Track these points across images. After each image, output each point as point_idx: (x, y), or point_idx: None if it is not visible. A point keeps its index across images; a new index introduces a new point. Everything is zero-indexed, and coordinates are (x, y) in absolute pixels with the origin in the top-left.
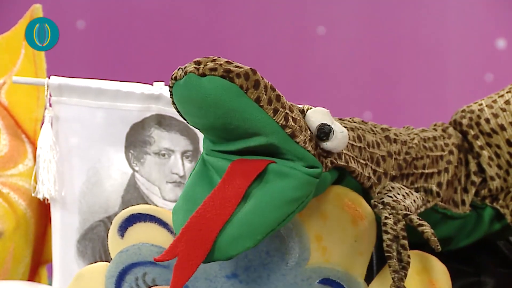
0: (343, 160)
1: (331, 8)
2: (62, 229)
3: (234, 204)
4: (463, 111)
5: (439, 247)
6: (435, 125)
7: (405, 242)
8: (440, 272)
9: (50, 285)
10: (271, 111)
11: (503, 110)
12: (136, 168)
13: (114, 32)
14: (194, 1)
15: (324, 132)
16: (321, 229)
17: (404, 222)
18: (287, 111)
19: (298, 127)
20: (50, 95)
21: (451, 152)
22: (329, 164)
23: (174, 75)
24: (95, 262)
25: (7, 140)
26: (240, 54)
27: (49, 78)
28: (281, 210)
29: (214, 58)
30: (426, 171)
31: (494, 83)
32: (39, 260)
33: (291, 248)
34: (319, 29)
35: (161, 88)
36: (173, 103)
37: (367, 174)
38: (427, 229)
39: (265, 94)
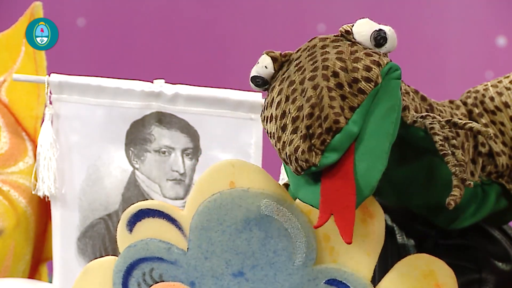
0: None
1: (331, 6)
2: (63, 226)
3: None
4: (468, 91)
5: (491, 134)
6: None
7: (455, 142)
8: (447, 276)
9: (51, 282)
10: (360, 95)
11: (508, 88)
12: (136, 166)
13: (114, 30)
14: None
15: (382, 36)
16: (329, 229)
17: (448, 127)
18: (359, 78)
19: (368, 72)
20: (50, 92)
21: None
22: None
23: (297, 167)
24: (95, 259)
25: (8, 137)
26: (240, 52)
27: (49, 75)
28: (388, 120)
29: (316, 133)
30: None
31: None
32: (39, 258)
33: (298, 248)
34: (320, 26)
35: (161, 86)
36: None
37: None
38: (474, 124)
39: (349, 102)
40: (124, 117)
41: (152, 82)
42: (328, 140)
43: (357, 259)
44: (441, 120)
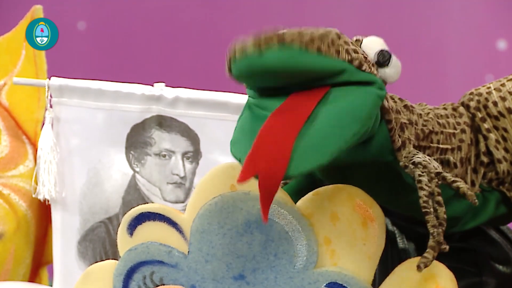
0: (388, 103)
1: (331, 8)
2: (63, 230)
3: (304, 116)
4: (471, 93)
5: (476, 200)
6: (444, 104)
7: (440, 198)
8: (448, 279)
9: (51, 286)
10: (335, 52)
11: (511, 93)
12: (137, 169)
13: (115, 33)
14: (194, 2)
15: (385, 57)
16: (330, 232)
17: (437, 180)
18: (346, 47)
19: (361, 56)
20: (50, 96)
21: (463, 131)
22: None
23: (233, 54)
24: (95, 263)
25: (8, 141)
26: None
27: (49, 79)
28: (351, 126)
29: (267, 33)
30: (441, 146)
31: None
32: (39, 261)
33: (299, 251)
34: None
35: (161, 89)
36: (230, 72)
37: (397, 134)
38: (462, 184)
39: (322, 43)
40: (124, 121)
41: (153, 86)
42: (273, 41)
43: (357, 263)
44: (431, 171)
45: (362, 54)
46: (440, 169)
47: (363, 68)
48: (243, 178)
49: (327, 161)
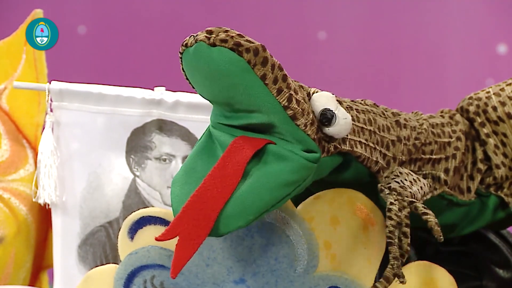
0: (347, 145)
1: (332, 13)
2: (63, 234)
3: (234, 183)
4: (470, 98)
5: (441, 237)
6: (442, 111)
7: (407, 230)
8: (448, 283)
9: None
10: (275, 90)
11: (511, 98)
12: (137, 173)
13: (115, 37)
14: (194, 6)
15: (326, 117)
16: (331, 236)
17: (408, 209)
18: (292, 92)
19: (300, 109)
20: (51, 100)
21: (458, 139)
22: (332, 149)
23: (185, 42)
24: (96, 267)
25: (8, 145)
26: None
27: (50, 83)
28: (276, 193)
29: (227, 29)
30: (434, 156)
31: None
32: (40, 265)
33: (299, 255)
34: (320, 34)
35: (162, 93)
36: (183, 69)
37: (375, 159)
38: (431, 218)
39: (272, 73)
40: (124, 125)
41: (153, 90)
42: (228, 43)
43: (358, 267)
44: (405, 199)
45: (303, 109)
46: (417, 196)
47: (297, 122)
48: (164, 237)
49: (247, 224)
